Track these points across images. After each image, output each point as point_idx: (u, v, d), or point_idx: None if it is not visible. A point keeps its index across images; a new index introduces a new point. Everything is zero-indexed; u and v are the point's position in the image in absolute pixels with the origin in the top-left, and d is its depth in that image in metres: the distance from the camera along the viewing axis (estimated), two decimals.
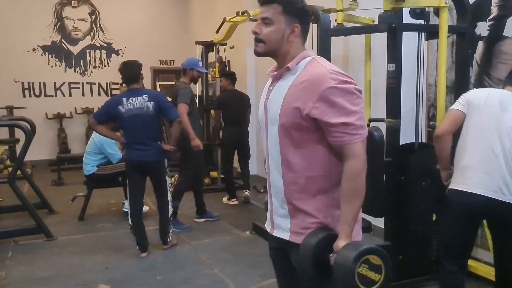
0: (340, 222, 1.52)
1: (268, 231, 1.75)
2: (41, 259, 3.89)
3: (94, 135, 5.01)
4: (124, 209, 5.07)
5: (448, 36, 3.15)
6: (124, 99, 3.77)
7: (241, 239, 4.38)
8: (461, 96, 2.54)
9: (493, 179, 2.30)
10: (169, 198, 4.04)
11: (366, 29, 3.33)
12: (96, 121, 3.85)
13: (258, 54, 1.63)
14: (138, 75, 3.88)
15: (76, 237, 4.49)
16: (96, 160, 4.97)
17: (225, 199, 5.81)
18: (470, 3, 3.31)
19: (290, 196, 1.61)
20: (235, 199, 5.74)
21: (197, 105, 5.13)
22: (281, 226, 1.66)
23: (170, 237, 4.09)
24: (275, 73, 1.65)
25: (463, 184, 2.38)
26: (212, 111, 5.81)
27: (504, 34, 3.16)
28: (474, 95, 2.49)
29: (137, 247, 3.93)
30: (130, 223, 3.98)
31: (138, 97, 3.76)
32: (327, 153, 1.54)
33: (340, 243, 1.49)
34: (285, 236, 1.64)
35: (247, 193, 5.73)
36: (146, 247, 3.94)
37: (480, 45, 3.33)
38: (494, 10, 3.22)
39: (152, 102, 3.76)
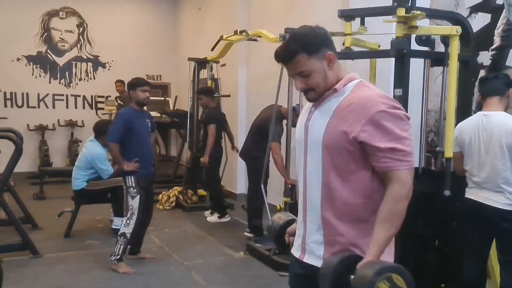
0: (372, 243, 1.45)
1: (297, 257, 1.69)
2: (29, 277, 3.72)
3: (85, 150, 4.88)
4: (113, 227, 4.92)
5: (448, 64, 3.22)
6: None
7: (235, 260, 4.30)
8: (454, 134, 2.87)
9: None
10: (125, 217, 3.92)
11: (376, 53, 3.36)
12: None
13: (313, 100, 1.60)
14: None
15: (64, 254, 4.32)
16: (86, 175, 4.83)
17: (212, 218, 5.70)
18: (474, 32, 3.39)
19: (328, 222, 1.55)
20: (227, 215, 5.69)
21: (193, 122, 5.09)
22: (314, 253, 1.61)
23: (113, 261, 3.86)
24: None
25: None
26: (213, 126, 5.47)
27: (506, 64, 3.25)
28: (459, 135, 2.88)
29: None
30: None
31: None
32: (370, 179, 1.51)
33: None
34: (318, 263, 1.57)
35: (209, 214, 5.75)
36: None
37: (482, 73, 3.41)
38: (497, 40, 3.31)
39: None
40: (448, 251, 3.14)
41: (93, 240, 4.77)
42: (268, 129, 4.40)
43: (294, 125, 4.32)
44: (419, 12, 2.71)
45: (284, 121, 4.48)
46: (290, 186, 4.22)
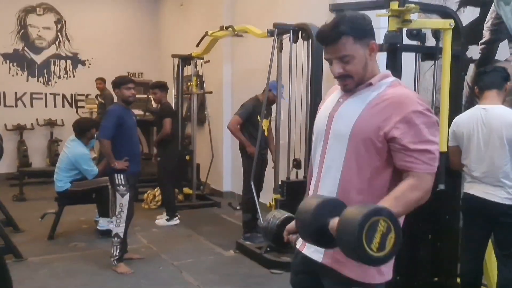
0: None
1: (297, 247, 1.63)
2: (13, 282, 3.57)
3: (67, 150, 4.74)
4: (99, 228, 4.81)
5: (439, 58, 3.22)
6: None
7: (226, 259, 4.24)
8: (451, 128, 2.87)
9: None
10: (114, 217, 3.83)
11: None
12: None
13: (349, 90, 1.53)
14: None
15: (49, 257, 4.18)
16: (70, 176, 4.68)
17: (160, 221, 5.38)
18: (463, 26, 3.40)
19: None
20: (177, 218, 5.38)
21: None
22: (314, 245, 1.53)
23: (113, 262, 3.80)
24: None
25: None
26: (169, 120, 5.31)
27: (496, 58, 3.26)
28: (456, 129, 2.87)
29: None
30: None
31: None
32: (390, 180, 1.47)
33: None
34: (318, 257, 1.54)
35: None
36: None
37: (472, 67, 3.42)
38: (486, 34, 3.33)
39: None
40: (441, 245, 3.15)
41: (78, 242, 4.65)
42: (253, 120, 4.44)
43: (271, 103, 4.44)
44: (413, 5, 2.69)
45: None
46: (280, 183, 4.16)
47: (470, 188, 2.84)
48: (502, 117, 2.71)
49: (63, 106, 8.91)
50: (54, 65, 8.89)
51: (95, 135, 4.66)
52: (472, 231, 2.91)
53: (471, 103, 3.43)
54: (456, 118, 2.92)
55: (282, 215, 1.78)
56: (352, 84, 1.51)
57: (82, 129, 4.80)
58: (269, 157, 4.71)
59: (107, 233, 4.56)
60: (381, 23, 3.46)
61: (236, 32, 4.99)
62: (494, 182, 2.72)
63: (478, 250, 2.94)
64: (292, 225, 1.76)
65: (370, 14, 3.14)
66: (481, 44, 3.37)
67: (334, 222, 1.29)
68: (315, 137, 1.63)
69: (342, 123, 1.51)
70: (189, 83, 6.52)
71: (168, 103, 5.53)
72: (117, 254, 3.80)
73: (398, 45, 2.84)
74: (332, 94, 1.65)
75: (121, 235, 3.79)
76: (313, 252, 1.56)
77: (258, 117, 4.45)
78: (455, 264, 3.18)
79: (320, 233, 1.33)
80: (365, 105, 1.47)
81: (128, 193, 3.77)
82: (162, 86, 5.51)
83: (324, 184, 1.55)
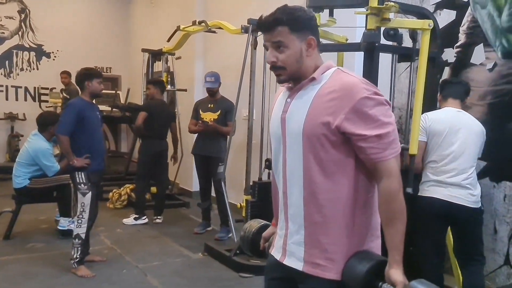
0: (388, 248, 1.40)
1: (277, 259, 1.56)
2: None
3: (28, 144, 4.48)
4: (59, 227, 4.56)
5: (415, 60, 3.19)
6: None
7: (193, 262, 4.09)
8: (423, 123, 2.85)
9: None
10: (76, 217, 3.63)
11: (345, 46, 3.27)
12: None
13: (282, 81, 1.51)
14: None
15: (3, 259, 3.93)
16: (29, 172, 4.42)
17: (128, 219, 5.20)
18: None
19: (310, 220, 1.45)
20: (145, 217, 5.23)
21: None
22: (294, 255, 1.50)
23: (73, 265, 3.60)
24: (290, 85, 1.52)
25: None
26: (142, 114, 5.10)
27: (471, 61, 3.25)
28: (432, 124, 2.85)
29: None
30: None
31: None
32: (354, 172, 1.42)
33: (393, 272, 1.35)
34: (299, 266, 1.48)
35: (158, 220, 5.30)
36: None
37: (447, 70, 3.40)
38: (462, 38, 3.31)
39: None
40: (413, 249, 3.11)
41: (36, 243, 4.40)
42: None
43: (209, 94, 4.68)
44: (392, 3, 2.63)
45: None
46: (251, 184, 4.06)
47: (434, 192, 2.81)
48: (475, 123, 2.84)
49: (26, 100, 8.55)
50: (17, 57, 8.52)
51: None
52: (439, 236, 2.90)
53: None
54: (429, 114, 2.90)
55: (258, 224, 1.85)
56: (285, 75, 1.48)
57: (45, 124, 4.55)
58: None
59: (68, 234, 4.34)
60: (357, 22, 3.43)
61: (209, 28, 4.84)
62: (462, 185, 2.73)
63: (443, 254, 2.97)
64: (267, 232, 1.78)
65: (349, 11, 3.10)
66: (457, 47, 3.35)
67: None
68: (274, 146, 1.56)
69: (293, 123, 1.45)
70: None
71: (158, 101, 5.29)
72: (77, 256, 3.60)
73: (377, 44, 2.78)
74: (279, 95, 1.59)
75: (83, 236, 3.59)
76: (293, 261, 1.50)
77: (200, 111, 4.70)
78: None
79: None
80: (311, 101, 1.43)
81: (90, 192, 3.57)
82: (156, 82, 5.40)
83: (291, 189, 1.49)
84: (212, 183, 4.71)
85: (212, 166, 4.60)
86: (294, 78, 1.48)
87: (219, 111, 4.63)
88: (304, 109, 1.43)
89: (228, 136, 4.54)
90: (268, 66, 1.51)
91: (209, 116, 4.66)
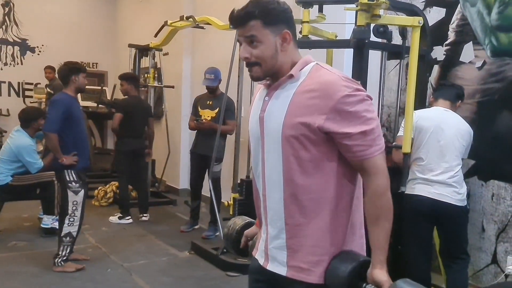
0: (372, 247, 1.36)
1: (261, 264, 1.51)
2: None
3: (11, 141, 4.38)
4: (42, 225, 4.47)
5: (405, 57, 3.17)
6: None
7: (180, 260, 4.03)
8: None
9: None
10: (67, 216, 3.53)
11: (335, 43, 3.23)
12: None
13: (257, 79, 1.44)
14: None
15: None
16: (11, 169, 4.31)
17: (115, 219, 5.11)
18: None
19: (292, 223, 1.40)
20: (129, 217, 5.13)
21: None
22: (277, 259, 1.45)
23: (59, 263, 3.55)
24: (268, 82, 1.46)
25: None
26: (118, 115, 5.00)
27: (460, 59, 3.24)
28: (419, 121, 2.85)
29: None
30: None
31: None
32: (337, 169, 1.37)
33: (377, 272, 1.31)
34: (282, 271, 1.43)
35: (144, 217, 5.21)
36: None
37: (436, 68, 3.39)
38: (451, 36, 3.30)
39: None
40: (402, 248, 3.09)
41: (19, 241, 4.29)
42: None
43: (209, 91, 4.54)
44: (383, 0, 2.60)
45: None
46: (239, 182, 4.01)
47: (420, 190, 2.81)
48: (462, 123, 2.86)
49: (9, 95, 8.35)
50: (0, 51, 8.31)
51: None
52: (426, 234, 2.90)
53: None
54: (417, 111, 2.90)
55: (242, 221, 1.79)
56: (260, 72, 1.41)
57: (28, 119, 4.45)
58: None
59: (51, 232, 4.28)
60: (347, 18, 3.39)
61: (197, 23, 4.77)
62: (447, 183, 2.74)
63: (430, 253, 2.97)
64: (251, 230, 1.72)
65: (339, 7, 3.07)
66: (446, 45, 3.34)
67: None
68: (252, 146, 1.50)
69: (272, 123, 1.39)
70: (146, 75, 6.22)
71: (134, 97, 5.16)
72: (66, 254, 3.53)
73: (366, 41, 2.74)
74: (257, 94, 1.53)
75: (74, 234, 3.54)
76: (277, 266, 1.45)
77: (199, 107, 4.59)
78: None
79: None
80: (290, 99, 1.37)
81: (83, 190, 3.52)
82: (128, 78, 5.19)
83: (270, 191, 1.43)
84: (209, 182, 4.55)
85: (208, 165, 4.47)
86: (270, 74, 1.42)
87: (218, 109, 4.46)
88: (282, 108, 1.37)
89: (227, 135, 4.46)
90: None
91: (207, 114, 4.51)
